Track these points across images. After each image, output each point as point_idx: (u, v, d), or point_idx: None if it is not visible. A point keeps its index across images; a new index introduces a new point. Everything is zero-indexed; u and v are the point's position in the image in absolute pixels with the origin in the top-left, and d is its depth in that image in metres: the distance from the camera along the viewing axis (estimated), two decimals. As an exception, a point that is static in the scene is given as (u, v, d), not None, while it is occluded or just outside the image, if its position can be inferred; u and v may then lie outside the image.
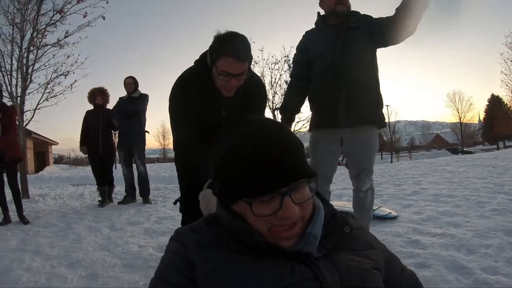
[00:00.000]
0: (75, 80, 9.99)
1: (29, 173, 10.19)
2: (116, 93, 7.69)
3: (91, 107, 7.61)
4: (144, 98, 7.40)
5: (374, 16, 3.16)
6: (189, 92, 2.53)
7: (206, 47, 2.45)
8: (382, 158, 57.33)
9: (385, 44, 3.11)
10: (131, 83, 7.32)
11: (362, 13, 3.22)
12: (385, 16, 3.03)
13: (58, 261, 3.57)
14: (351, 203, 3.42)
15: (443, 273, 2.73)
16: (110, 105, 7.71)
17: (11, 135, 5.78)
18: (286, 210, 0.92)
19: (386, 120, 3.39)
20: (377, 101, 3.21)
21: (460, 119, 68.91)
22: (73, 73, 9.83)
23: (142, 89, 7.53)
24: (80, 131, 7.49)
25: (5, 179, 5.82)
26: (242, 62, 2.29)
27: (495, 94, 69.12)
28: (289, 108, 3.30)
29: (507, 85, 30.00)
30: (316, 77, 3.23)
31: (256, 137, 0.98)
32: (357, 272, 0.98)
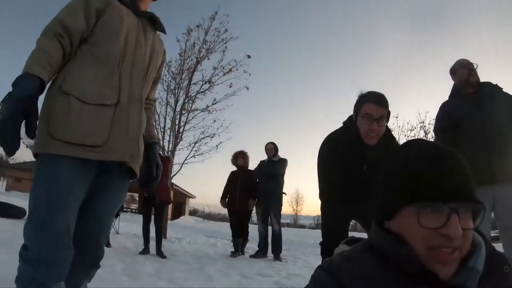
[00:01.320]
0: (220, 142, 11.17)
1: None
2: (256, 155, 8.30)
3: (232, 168, 8.30)
4: (283, 162, 7.90)
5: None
6: (337, 144, 2.86)
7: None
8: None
9: None
10: (271, 148, 7.93)
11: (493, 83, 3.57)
12: None
13: (191, 292, 3.68)
14: None
15: None
16: (251, 166, 8.33)
17: (163, 181, 6.64)
18: (451, 227, 0.89)
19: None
20: None
21: None
22: (219, 135, 11.12)
23: (281, 154, 8.02)
24: (223, 186, 8.20)
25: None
26: (381, 107, 2.64)
27: None
28: None
29: None
30: (464, 139, 3.38)
31: (433, 148, 1.01)
32: None
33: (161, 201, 6.67)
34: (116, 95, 1.81)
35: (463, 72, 3.54)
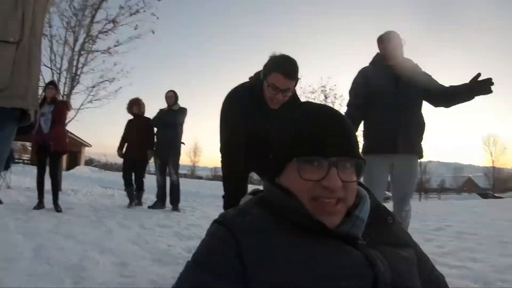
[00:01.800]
0: (120, 87, 10.80)
1: (61, 169, 10.76)
2: (157, 104, 8.08)
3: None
4: (183, 111, 7.85)
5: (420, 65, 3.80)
6: (242, 100, 2.88)
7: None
8: (410, 198, 56.37)
9: (432, 104, 3.76)
10: (171, 96, 7.81)
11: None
12: (436, 80, 3.72)
13: (90, 246, 3.75)
14: None
15: (459, 300, 2.79)
16: (147, 114, 8.22)
17: (59, 128, 6.33)
18: (331, 180, 0.97)
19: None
20: (422, 136, 3.76)
21: (492, 163, 66.63)
22: (118, 80, 10.68)
23: (181, 103, 7.94)
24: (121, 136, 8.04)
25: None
26: (289, 80, 2.66)
27: (534, 139, 66.62)
28: None
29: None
30: (376, 108, 3.68)
31: (317, 108, 1.12)
32: (403, 266, 1.03)
33: (56, 151, 6.30)
34: (19, 31, 1.60)
35: (390, 44, 3.70)
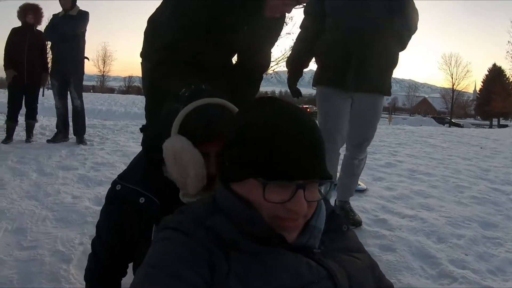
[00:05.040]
0: None
1: None
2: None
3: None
4: (84, 16, 7.16)
5: None
6: None
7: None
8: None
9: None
10: None
11: None
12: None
13: (-19, 210, 3.45)
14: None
15: (408, 259, 2.95)
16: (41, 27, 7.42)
17: None
18: (296, 203, 1.02)
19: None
20: (388, 71, 3.44)
21: (453, 85, 68.27)
22: None
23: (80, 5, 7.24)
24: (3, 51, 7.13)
25: None
26: None
27: (498, 65, 68.79)
28: (298, 62, 3.60)
29: (512, 57, 29.89)
30: (327, 33, 3.37)
31: (286, 120, 1.07)
32: (359, 274, 1.13)
33: None
34: None
35: None
